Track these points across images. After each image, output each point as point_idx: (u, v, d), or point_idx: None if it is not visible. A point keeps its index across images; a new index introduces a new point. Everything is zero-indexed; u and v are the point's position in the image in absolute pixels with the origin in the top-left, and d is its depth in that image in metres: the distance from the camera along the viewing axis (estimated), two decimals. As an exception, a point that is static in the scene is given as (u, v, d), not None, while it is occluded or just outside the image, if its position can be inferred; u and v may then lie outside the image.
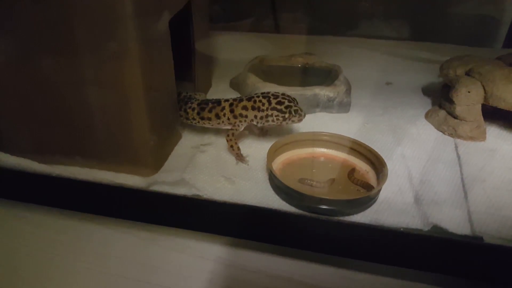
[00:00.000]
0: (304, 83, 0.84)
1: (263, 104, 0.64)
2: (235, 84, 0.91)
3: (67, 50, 0.54)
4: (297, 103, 0.66)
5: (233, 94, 0.88)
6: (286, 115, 0.64)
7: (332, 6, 1.27)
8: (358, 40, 1.18)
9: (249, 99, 0.66)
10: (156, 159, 0.63)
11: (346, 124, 0.78)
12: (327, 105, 0.80)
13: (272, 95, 0.65)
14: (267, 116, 0.64)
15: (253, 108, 0.65)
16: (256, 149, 0.70)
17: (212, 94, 0.89)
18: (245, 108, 0.65)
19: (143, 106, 0.56)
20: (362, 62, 1.04)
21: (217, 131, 0.72)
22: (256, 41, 1.22)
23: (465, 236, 0.52)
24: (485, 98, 0.71)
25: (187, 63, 0.80)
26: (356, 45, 1.14)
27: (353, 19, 1.25)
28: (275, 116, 0.64)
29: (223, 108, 0.67)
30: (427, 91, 0.91)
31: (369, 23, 1.24)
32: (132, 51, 0.52)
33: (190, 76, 0.82)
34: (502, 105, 0.70)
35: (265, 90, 0.76)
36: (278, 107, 0.64)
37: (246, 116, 0.66)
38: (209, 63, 0.93)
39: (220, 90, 0.91)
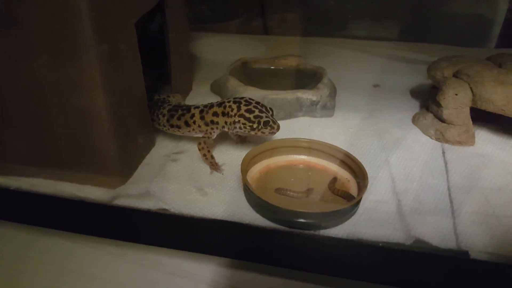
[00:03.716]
0: (288, 86, 0.81)
1: (232, 110, 0.61)
2: (216, 87, 0.88)
3: (23, 51, 0.51)
4: (272, 114, 0.62)
5: (214, 98, 0.85)
6: (255, 126, 0.59)
7: (321, 7, 1.24)
8: (347, 41, 1.15)
9: (219, 105, 0.62)
10: (124, 169, 0.59)
11: (330, 129, 0.75)
12: (310, 109, 0.77)
13: (245, 101, 0.61)
14: (234, 122, 0.60)
15: (223, 114, 0.61)
16: (233, 156, 0.66)
17: (192, 98, 0.86)
18: (215, 114, 0.62)
19: (104, 111, 0.52)
20: (350, 64, 1.01)
21: (193, 138, 0.68)
22: (243, 42, 1.19)
23: (450, 251, 0.49)
24: (473, 101, 0.68)
25: (164, 65, 0.77)
26: (344, 46, 1.11)
27: (342, 20, 1.22)
28: (242, 123, 0.60)
29: (193, 116, 0.63)
30: (416, 93, 0.88)
31: (358, 24, 1.21)
32: (90, 52, 0.49)
33: (168, 79, 0.78)
34: (490, 108, 0.66)
35: (246, 94, 0.74)
36: (247, 115, 0.60)
37: (218, 123, 0.62)
38: (188, 65, 0.89)
39: (201, 94, 0.88)
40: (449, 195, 0.58)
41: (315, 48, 1.10)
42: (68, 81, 0.52)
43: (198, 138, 0.65)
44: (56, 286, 0.55)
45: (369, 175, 0.58)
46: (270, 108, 0.63)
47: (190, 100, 0.85)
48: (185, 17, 0.80)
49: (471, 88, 0.68)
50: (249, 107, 0.60)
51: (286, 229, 0.51)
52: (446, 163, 0.65)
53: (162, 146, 0.69)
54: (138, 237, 0.56)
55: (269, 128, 0.60)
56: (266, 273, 0.55)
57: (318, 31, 1.19)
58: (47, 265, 0.57)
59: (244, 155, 0.60)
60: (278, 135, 0.64)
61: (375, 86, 0.91)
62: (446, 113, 0.69)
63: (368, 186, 0.56)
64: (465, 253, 0.48)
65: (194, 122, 0.63)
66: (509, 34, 1.15)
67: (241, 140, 0.70)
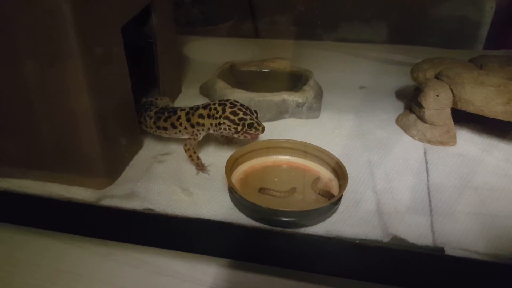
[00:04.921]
0: (275, 88, 0.82)
1: (217, 112, 0.62)
2: (205, 90, 0.89)
3: (9, 55, 0.52)
4: (257, 116, 0.63)
5: (202, 100, 0.86)
6: (239, 128, 0.61)
7: (309, 10, 1.25)
8: (335, 44, 1.17)
9: (205, 107, 0.64)
10: (110, 170, 0.60)
11: (315, 130, 0.76)
12: (296, 111, 0.79)
13: (230, 103, 0.63)
14: (219, 124, 0.62)
15: (208, 116, 0.63)
16: (219, 157, 0.68)
17: (181, 100, 0.87)
18: (201, 116, 0.63)
19: (90, 113, 0.53)
20: (337, 66, 1.03)
21: (180, 139, 0.70)
22: (233, 45, 1.21)
23: (426, 247, 0.50)
24: (454, 102, 0.70)
25: (152, 68, 0.78)
26: (333, 49, 1.13)
27: (331, 23, 1.24)
28: (227, 125, 0.61)
29: (179, 118, 0.65)
30: (401, 94, 0.89)
31: (347, 27, 1.23)
32: (75, 56, 0.50)
33: (156, 81, 0.80)
34: (470, 109, 0.68)
35: (233, 96, 0.75)
36: (232, 117, 0.61)
37: (203, 125, 0.63)
38: (177, 68, 0.90)
39: (190, 96, 0.89)
40: (428, 193, 0.60)
41: (304, 51, 1.12)
42: (54, 84, 0.53)
43: (185, 139, 0.66)
44: (44, 286, 0.55)
45: (351, 175, 0.59)
46: (255, 111, 0.64)
47: (179, 103, 0.86)
48: (173, 20, 0.81)
49: (451, 89, 0.70)
50: (234, 109, 0.62)
51: (268, 227, 0.52)
52: (427, 163, 0.66)
53: (150, 148, 0.70)
54: (124, 237, 0.57)
55: (253, 130, 0.61)
56: (253, 271, 0.56)
57: (308, 34, 1.21)
58: (36, 265, 0.58)
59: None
60: (264, 136, 0.66)
61: (362, 88, 0.93)
62: (427, 114, 0.71)
63: (349, 186, 0.58)
64: (441, 250, 0.49)
65: (181, 124, 0.65)
66: (497, 36, 1.17)
67: (228, 141, 0.71)
